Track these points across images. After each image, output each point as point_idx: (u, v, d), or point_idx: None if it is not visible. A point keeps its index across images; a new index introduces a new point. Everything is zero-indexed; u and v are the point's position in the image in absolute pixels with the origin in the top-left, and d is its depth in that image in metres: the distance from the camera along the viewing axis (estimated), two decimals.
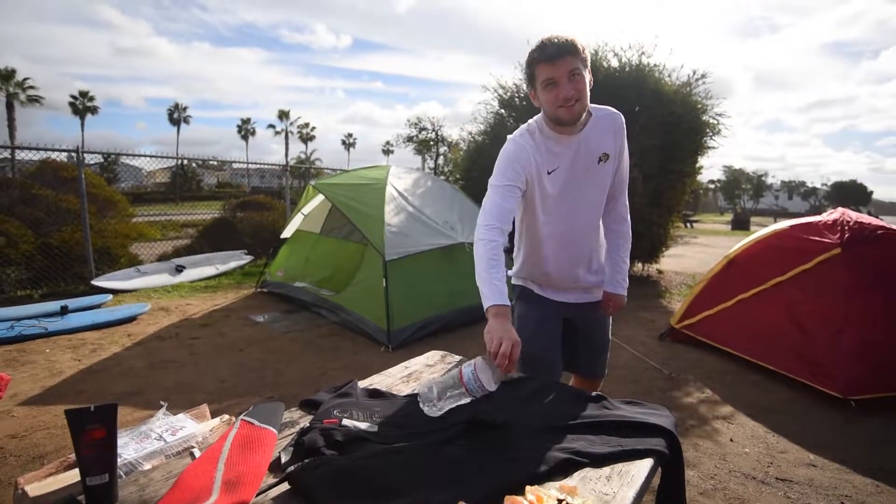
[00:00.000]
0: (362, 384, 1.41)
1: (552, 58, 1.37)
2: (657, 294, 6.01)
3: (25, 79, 33.07)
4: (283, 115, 55.83)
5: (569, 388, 1.45)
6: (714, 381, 3.35)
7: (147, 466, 1.02)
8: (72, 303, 4.51)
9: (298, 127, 57.32)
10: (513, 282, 1.80)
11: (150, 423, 1.18)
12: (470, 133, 7.60)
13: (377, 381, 1.46)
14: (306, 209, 5.70)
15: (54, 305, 4.33)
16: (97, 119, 42.61)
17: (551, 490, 0.89)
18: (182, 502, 0.83)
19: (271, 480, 0.93)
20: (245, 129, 53.61)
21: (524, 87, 6.89)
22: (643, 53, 6.08)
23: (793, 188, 65.51)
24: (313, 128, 59.14)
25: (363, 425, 1.11)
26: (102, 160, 28.56)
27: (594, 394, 1.35)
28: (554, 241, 1.63)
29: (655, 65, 6.06)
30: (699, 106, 5.97)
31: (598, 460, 1.01)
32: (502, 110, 7.09)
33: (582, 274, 1.70)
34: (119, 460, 1.02)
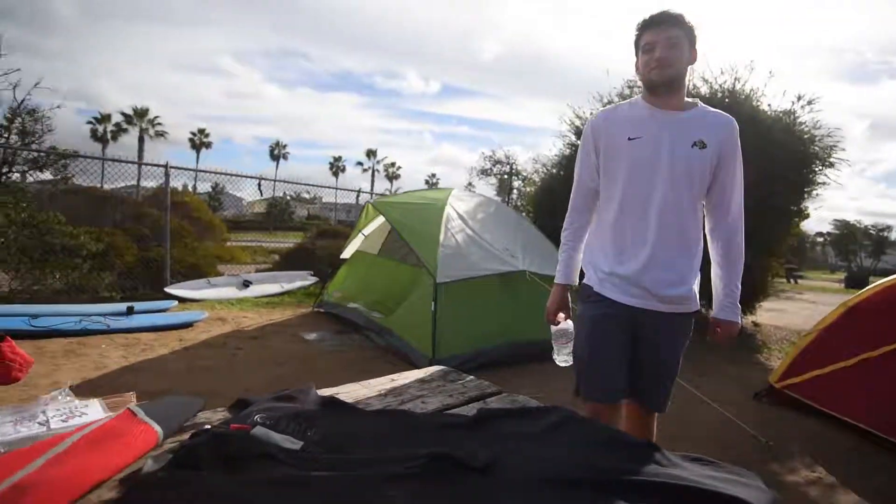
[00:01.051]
0: (328, 391, 1.12)
1: (656, 23, 1.45)
2: (752, 348, 5.14)
3: (155, 116, 38.34)
4: (371, 153, 58.98)
5: (605, 427, 1.05)
6: (827, 458, 2.64)
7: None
8: (139, 305, 4.70)
9: (385, 165, 60.14)
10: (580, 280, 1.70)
11: (43, 403, 0.97)
12: (544, 165, 7.28)
13: (348, 390, 1.16)
14: (367, 230, 5.64)
15: (122, 306, 4.53)
16: (211, 153, 47.75)
17: None
18: None
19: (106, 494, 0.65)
20: (336, 167, 57.16)
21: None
22: (737, 79, 5.48)
23: None
24: (399, 167, 61.66)
25: (279, 437, 0.81)
26: (211, 190, 31.76)
27: (642, 441, 0.94)
28: (642, 219, 1.49)
29: (752, 90, 5.42)
30: (806, 135, 5.20)
31: None
32: (578, 142, 6.71)
33: (658, 275, 1.48)
34: None
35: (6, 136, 6.00)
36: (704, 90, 5.70)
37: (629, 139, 1.49)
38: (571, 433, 0.91)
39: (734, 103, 5.44)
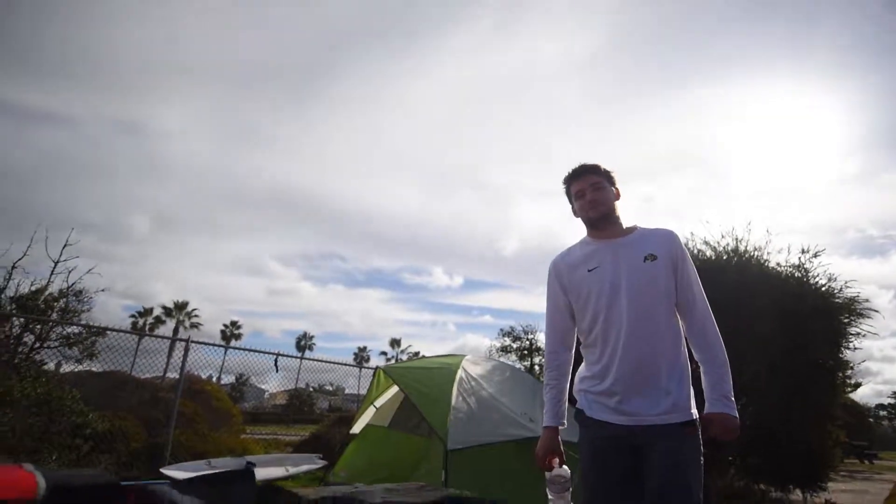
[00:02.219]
0: None
1: (578, 174, 1.78)
2: None
3: (193, 309, 40.78)
4: (395, 342, 59.47)
5: None
6: None
7: None
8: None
9: (408, 355, 60.09)
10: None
11: None
12: None
13: None
14: (379, 402, 5.40)
15: None
16: (239, 344, 48.77)
17: None
18: None
19: None
20: (360, 356, 57.32)
21: None
22: (738, 240, 5.71)
23: None
24: (423, 356, 61.44)
25: None
26: (234, 381, 31.70)
27: None
28: (611, 341, 1.61)
29: (755, 248, 5.60)
30: (823, 287, 5.16)
31: None
32: None
33: (646, 384, 1.53)
34: None
35: (50, 312, 6.40)
36: (709, 253, 5.91)
37: (589, 271, 1.69)
38: None
39: (741, 264, 5.58)
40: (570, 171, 1.80)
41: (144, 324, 39.33)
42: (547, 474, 1.58)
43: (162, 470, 5.31)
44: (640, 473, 1.51)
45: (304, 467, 6.42)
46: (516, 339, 12.13)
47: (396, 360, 59.25)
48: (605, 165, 1.79)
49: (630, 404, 1.53)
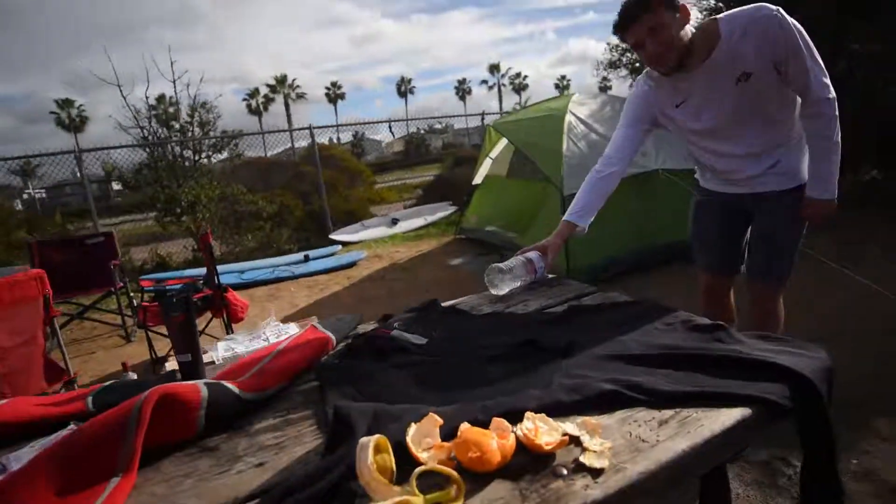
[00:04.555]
0: (450, 303, 1.35)
1: (626, 25, 1.37)
2: None
3: (294, 80, 42.16)
4: (494, 68, 56.79)
5: (684, 315, 1.09)
6: None
7: (245, 355, 1.18)
8: (312, 253, 5.58)
9: (510, 79, 57.70)
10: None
11: (262, 326, 1.37)
12: None
13: (467, 300, 1.38)
14: (493, 153, 5.72)
15: (299, 255, 5.43)
16: (346, 104, 51.37)
17: (567, 424, 0.68)
18: (229, 372, 0.98)
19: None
20: (461, 90, 56.60)
21: None
22: None
23: None
24: (525, 76, 58.58)
25: (410, 336, 1.06)
26: (352, 138, 34.30)
27: (712, 323, 0.98)
28: (708, 159, 1.62)
29: None
30: None
31: (661, 399, 0.74)
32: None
33: (748, 175, 1.55)
34: (225, 352, 1.21)
35: (192, 129, 7.24)
36: None
37: (676, 106, 1.52)
38: (648, 319, 1.00)
39: None
40: (616, 20, 1.39)
41: (257, 104, 42.16)
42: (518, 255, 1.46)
43: (331, 236, 6.65)
44: (745, 228, 1.69)
45: (440, 214, 7.50)
46: (626, 51, 10.88)
47: (499, 87, 57.60)
48: None
49: (738, 183, 1.59)
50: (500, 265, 1.35)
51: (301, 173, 9.27)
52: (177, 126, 7.14)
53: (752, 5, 1.36)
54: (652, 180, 3.92)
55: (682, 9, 1.35)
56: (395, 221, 7.12)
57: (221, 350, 1.22)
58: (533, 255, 1.43)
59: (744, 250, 1.72)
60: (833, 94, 1.40)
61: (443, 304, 1.32)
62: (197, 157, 7.14)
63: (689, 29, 1.38)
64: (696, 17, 1.49)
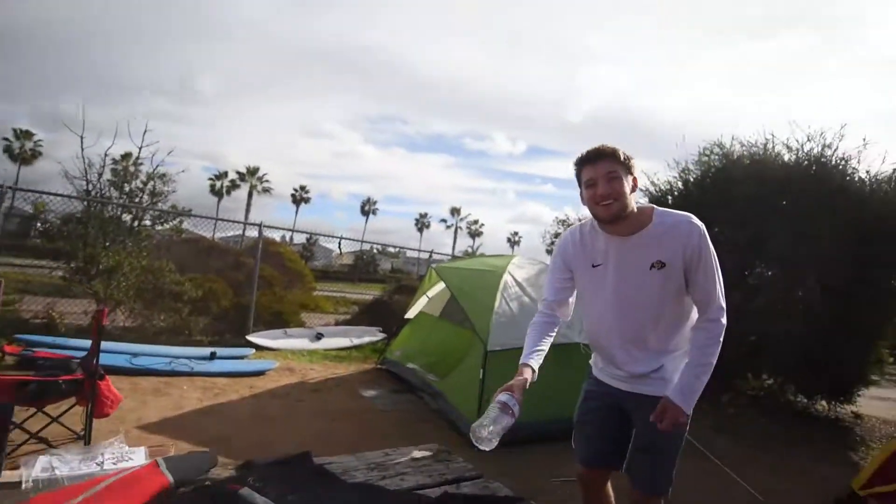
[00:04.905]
0: (323, 460, 1.24)
1: (592, 160, 1.52)
2: (847, 445, 4.49)
3: (264, 174, 43.13)
4: (455, 211, 60.85)
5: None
6: None
7: (65, 482, 1.01)
8: (221, 351, 5.20)
9: (468, 223, 61.61)
10: None
11: (104, 447, 1.20)
12: None
13: (341, 460, 1.28)
14: (431, 292, 5.84)
15: (206, 350, 5.03)
16: (309, 207, 52.19)
17: None
18: None
19: None
20: (421, 223, 59.48)
21: (679, 185, 6.33)
22: (826, 145, 5.15)
23: None
24: (482, 224, 62.86)
25: (260, 500, 0.95)
26: (305, 241, 34.38)
27: None
28: (604, 346, 1.69)
29: (843, 157, 5.06)
30: None
31: None
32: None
33: (627, 367, 1.64)
34: (42, 472, 1.03)
35: (141, 196, 7.08)
36: (788, 157, 5.42)
37: (593, 266, 1.62)
38: None
39: (822, 172, 5.12)
40: (584, 153, 1.55)
41: (221, 186, 42.35)
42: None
43: (248, 337, 6.28)
44: (626, 426, 1.69)
45: (367, 339, 7.32)
46: (570, 226, 12.09)
47: (456, 228, 61.15)
48: (624, 150, 1.53)
49: (623, 381, 1.66)
50: (482, 424, 1.36)
51: (241, 262, 9.01)
52: (127, 189, 6.98)
53: (684, 213, 1.55)
54: (571, 352, 4.05)
55: (634, 179, 1.54)
56: (319, 336, 6.87)
57: (39, 468, 1.06)
58: (504, 396, 1.45)
59: (623, 449, 1.70)
60: (725, 321, 1.53)
61: (315, 461, 1.22)
62: (136, 224, 6.88)
63: (634, 197, 1.54)
64: (637, 198, 1.61)
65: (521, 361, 1.63)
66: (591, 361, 1.87)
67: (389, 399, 4.64)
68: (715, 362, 1.53)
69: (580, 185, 1.59)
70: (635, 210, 1.54)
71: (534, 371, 1.58)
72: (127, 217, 6.96)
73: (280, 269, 10.22)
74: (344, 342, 6.93)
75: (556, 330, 1.69)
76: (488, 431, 1.35)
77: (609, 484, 1.84)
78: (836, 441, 4.57)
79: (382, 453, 1.38)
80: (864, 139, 5.03)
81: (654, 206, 1.58)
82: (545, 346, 1.64)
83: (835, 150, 5.16)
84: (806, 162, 5.27)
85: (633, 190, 1.54)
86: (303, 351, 6.30)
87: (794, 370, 5.01)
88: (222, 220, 8.20)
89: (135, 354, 4.56)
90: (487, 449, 1.36)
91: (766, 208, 5.03)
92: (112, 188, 6.79)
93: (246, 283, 7.65)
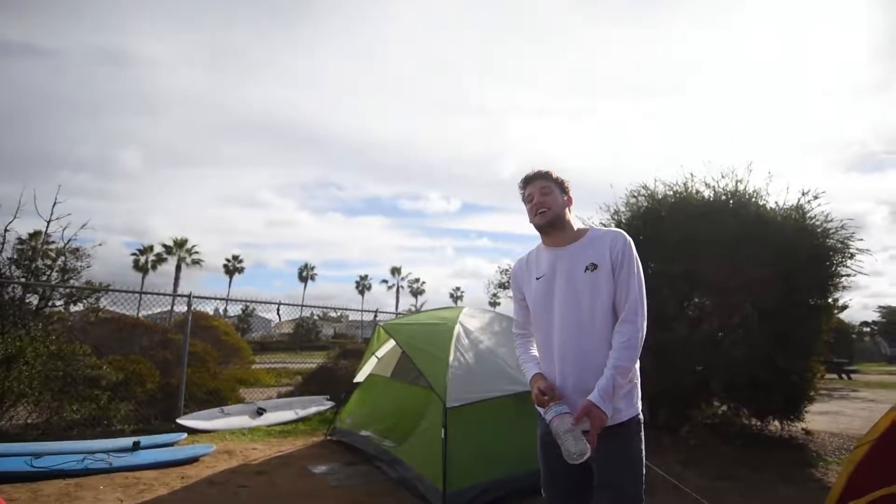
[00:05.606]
0: None
1: (530, 180, 1.86)
2: (805, 462, 4.59)
3: (193, 246, 40.80)
4: (396, 270, 60.52)
5: None
6: None
7: None
8: (145, 439, 4.57)
9: (409, 282, 61.35)
10: None
11: None
12: None
13: None
14: (380, 352, 5.57)
15: (128, 441, 4.41)
16: (243, 278, 49.80)
17: None
18: None
19: None
20: (362, 285, 58.48)
21: (612, 227, 6.60)
22: (738, 181, 5.60)
23: None
24: (423, 282, 62.76)
25: None
26: (241, 312, 32.55)
27: None
28: (547, 344, 1.78)
29: (755, 190, 5.51)
30: (818, 229, 5.16)
31: None
32: None
33: (573, 384, 1.69)
34: None
35: (48, 273, 6.42)
36: (707, 194, 5.82)
37: (537, 279, 1.82)
38: None
39: (738, 205, 5.52)
40: (524, 176, 1.88)
41: (146, 261, 39.70)
42: (546, 415, 1.65)
43: (179, 420, 5.63)
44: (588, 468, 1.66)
45: (313, 409, 6.80)
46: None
47: (398, 288, 60.49)
48: (557, 173, 1.86)
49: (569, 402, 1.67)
50: (570, 453, 1.51)
51: (169, 340, 8.27)
52: (33, 266, 6.28)
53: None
54: (527, 399, 3.92)
55: (569, 198, 1.86)
56: (260, 411, 6.30)
57: None
58: (557, 409, 1.61)
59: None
60: (642, 326, 1.66)
61: None
62: (43, 304, 6.16)
63: (570, 213, 1.84)
64: (573, 219, 1.88)
65: (531, 374, 1.83)
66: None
67: (344, 473, 4.23)
68: (632, 367, 1.66)
69: (524, 203, 1.88)
70: (571, 223, 1.84)
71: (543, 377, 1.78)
72: (34, 298, 6.23)
73: (214, 343, 9.53)
74: (289, 415, 6.39)
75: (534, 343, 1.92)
76: (576, 448, 1.50)
77: None
78: (795, 460, 4.66)
79: None
80: (769, 172, 5.52)
81: (592, 226, 1.88)
82: (536, 354, 1.88)
83: (746, 185, 5.62)
84: (724, 196, 5.69)
85: (568, 205, 1.86)
86: (243, 429, 5.72)
87: (743, 394, 5.15)
88: (145, 293, 7.49)
89: (37, 455, 3.88)
90: (588, 455, 1.51)
91: (694, 242, 5.33)
92: (14, 266, 6.09)
93: (176, 361, 6.98)
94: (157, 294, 7.31)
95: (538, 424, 1.88)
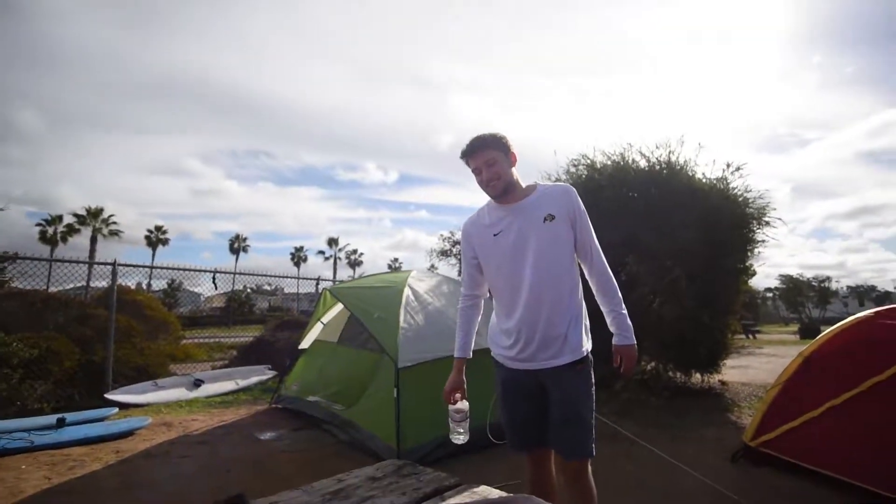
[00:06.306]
0: (263, 502, 0.98)
1: (471, 151, 1.82)
2: (723, 408, 5.09)
3: (110, 216, 37.29)
4: (333, 242, 58.99)
5: None
6: None
7: None
8: (72, 416, 4.26)
9: (347, 253, 60.17)
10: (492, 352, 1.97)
11: None
12: None
13: (287, 499, 1.03)
14: (326, 318, 5.47)
15: (50, 418, 4.08)
16: (168, 250, 46.35)
17: None
18: None
19: None
20: (297, 257, 56.68)
21: None
22: (671, 151, 5.93)
23: (863, 293, 58.89)
24: (361, 254, 61.73)
25: None
26: (167, 286, 30.65)
27: None
28: (514, 294, 1.80)
29: (685, 161, 5.86)
30: (739, 199, 5.60)
31: None
32: None
33: (543, 327, 1.75)
34: None
35: None
36: (643, 164, 6.11)
37: (494, 235, 1.84)
38: None
39: (671, 174, 5.85)
40: (464, 147, 1.83)
41: (55, 233, 36.00)
42: (449, 407, 1.89)
43: (107, 395, 5.28)
44: (546, 403, 1.81)
45: (254, 379, 6.62)
46: (455, 243, 12.34)
47: (335, 259, 59.23)
48: (494, 133, 1.82)
49: (534, 357, 1.76)
50: (457, 437, 1.84)
51: (87, 315, 7.64)
52: None
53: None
54: (484, 357, 4.01)
55: (512, 154, 1.84)
56: (198, 383, 6.04)
57: None
58: (463, 405, 1.87)
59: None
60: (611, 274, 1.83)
61: (255, 503, 0.96)
62: None
63: (515, 171, 1.84)
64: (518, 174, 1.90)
65: (456, 356, 1.99)
66: (492, 354, 1.95)
67: (292, 438, 4.17)
68: (621, 297, 1.83)
69: (473, 174, 1.86)
70: (520, 181, 1.86)
71: (467, 359, 1.97)
72: None
73: (139, 318, 8.92)
74: (229, 385, 6.17)
75: (481, 308, 2.03)
76: (463, 438, 1.79)
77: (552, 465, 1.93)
78: (714, 406, 5.14)
79: (334, 480, 1.14)
80: (700, 144, 5.87)
81: (538, 182, 1.92)
82: (473, 332, 1.99)
83: (678, 155, 5.95)
84: (658, 167, 5.99)
85: (514, 164, 1.85)
86: (180, 402, 5.47)
87: (671, 351, 5.57)
88: (62, 260, 6.84)
89: None
90: (465, 440, 1.81)
91: (630, 209, 5.60)
92: None
93: (96, 337, 6.47)
94: (76, 262, 6.67)
95: (496, 373, 1.95)
